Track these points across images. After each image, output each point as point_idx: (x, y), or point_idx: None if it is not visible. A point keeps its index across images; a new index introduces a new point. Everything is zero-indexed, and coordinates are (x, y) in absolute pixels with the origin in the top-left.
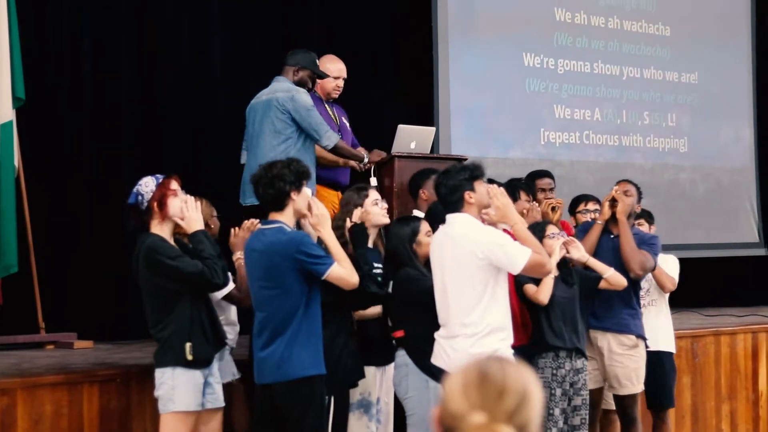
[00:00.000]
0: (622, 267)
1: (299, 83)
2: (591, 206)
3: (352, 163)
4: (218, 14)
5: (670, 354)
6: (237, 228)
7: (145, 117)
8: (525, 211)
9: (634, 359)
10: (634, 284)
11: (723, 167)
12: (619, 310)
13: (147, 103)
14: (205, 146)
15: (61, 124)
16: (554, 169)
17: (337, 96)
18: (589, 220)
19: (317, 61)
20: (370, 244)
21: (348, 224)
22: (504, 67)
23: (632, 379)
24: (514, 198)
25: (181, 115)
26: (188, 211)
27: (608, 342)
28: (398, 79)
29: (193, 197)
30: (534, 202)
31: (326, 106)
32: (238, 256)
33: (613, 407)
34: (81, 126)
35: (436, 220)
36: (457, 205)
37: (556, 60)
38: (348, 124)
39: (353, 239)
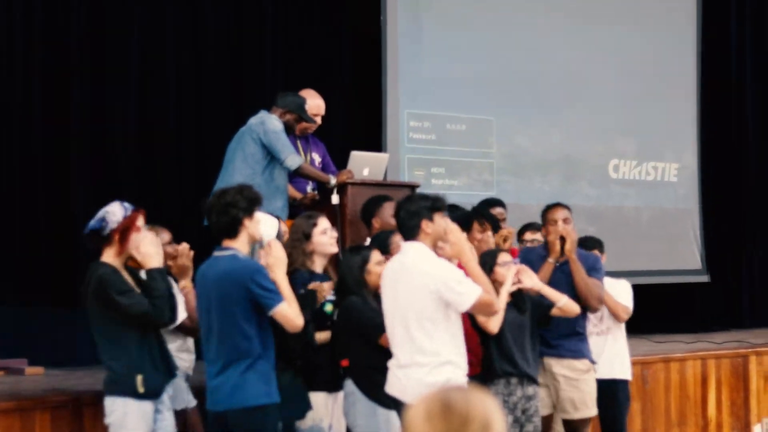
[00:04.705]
0: (570, 297)
1: (285, 125)
2: (534, 236)
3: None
4: (172, 35)
5: (626, 382)
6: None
7: (97, 140)
8: (476, 242)
9: (588, 383)
10: (584, 310)
11: (667, 195)
12: (571, 337)
13: (98, 123)
14: (155, 171)
15: (12, 151)
16: (500, 196)
17: (310, 132)
18: (529, 246)
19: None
20: (319, 270)
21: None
22: (451, 95)
23: (587, 403)
24: (468, 229)
25: (134, 135)
26: (145, 247)
27: (562, 368)
28: (348, 105)
29: (152, 232)
30: (488, 232)
31: (298, 142)
32: (184, 284)
33: None
34: (29, 159)
35: (380, 248)
36: (413, 232)
37: (502, 88)
38: (319, 159)
39: (301, 303)
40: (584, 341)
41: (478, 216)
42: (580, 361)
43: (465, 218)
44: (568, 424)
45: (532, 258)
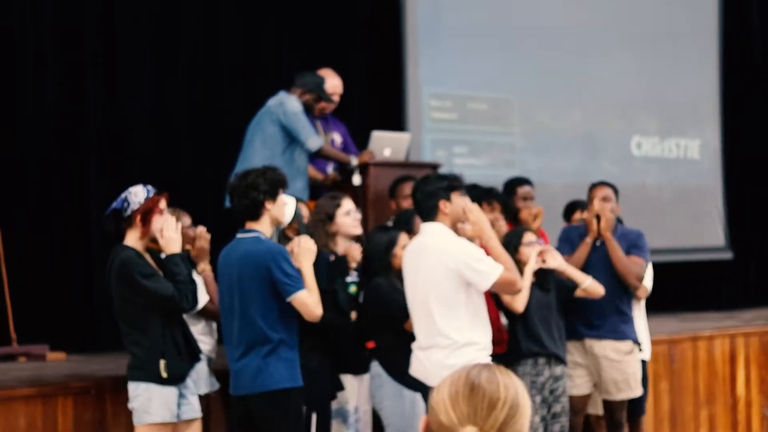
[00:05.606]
0: (610, 277)
1: (305, 105)
2: (582, 215)
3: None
4: (186, 13)
5: (644, 363)
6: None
7: (112, 126)
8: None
9: (631, 364)
10: (626, 289)
11: (690, 172)
12: (613, 317)
13: (113, 112)
14: (173, 154)
15: (27, 135)
16: (522, 174)
17: (329, 112)
18: (575, 224)
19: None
20: (342, 252)
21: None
22: (472, 73)
23: (630, 384)
24: None
25: (149, 123)
26: (168, 232)
27: (605, 349)
28: (368, 84)
29: (174, 217)
30: (496, 213)
31: (318, 122)
32: (203, 267)
33: (601, 412)
34: (47, 138)
35: (403, 227)
36: (431, 213)
37: (523, 66)
38: (340, 140)
39: (332, 270)
40: (628, 322)
41: (486, 196)
42: (623, 342)
43: (472, 200)
44: (607, 404)
45: (573, 236)
